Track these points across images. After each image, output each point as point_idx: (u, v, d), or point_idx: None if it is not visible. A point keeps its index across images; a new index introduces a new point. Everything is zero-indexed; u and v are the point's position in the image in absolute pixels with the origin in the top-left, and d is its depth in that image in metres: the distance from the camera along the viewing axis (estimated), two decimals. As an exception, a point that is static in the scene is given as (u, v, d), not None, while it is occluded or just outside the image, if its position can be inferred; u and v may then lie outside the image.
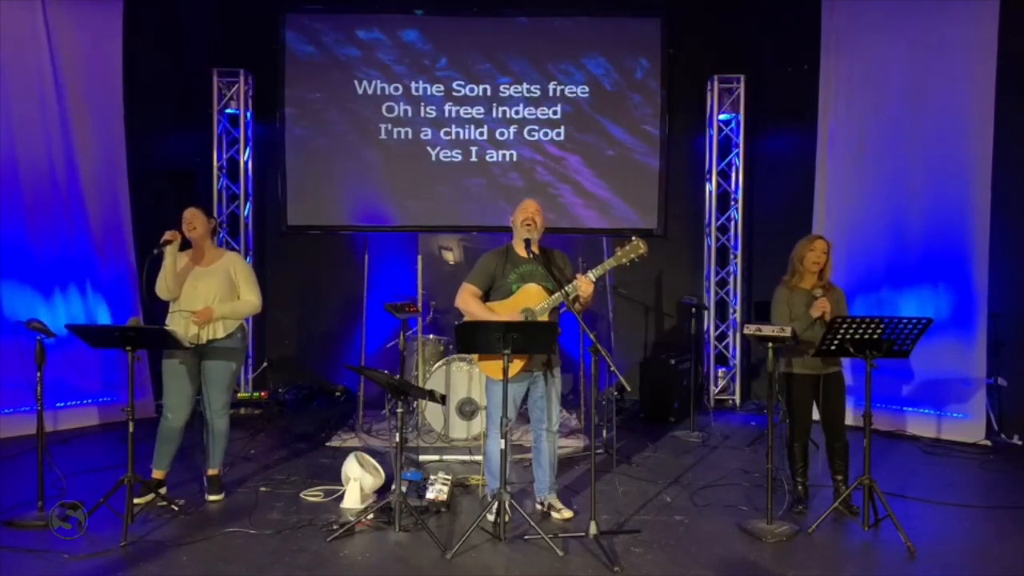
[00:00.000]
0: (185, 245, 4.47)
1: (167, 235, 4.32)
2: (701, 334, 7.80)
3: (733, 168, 7.89)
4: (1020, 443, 6.04)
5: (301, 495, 4.57)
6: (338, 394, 7.76)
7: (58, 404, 6.13)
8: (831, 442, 4.37)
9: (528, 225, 4.10)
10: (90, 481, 4.69)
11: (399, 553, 3.73)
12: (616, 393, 6.38)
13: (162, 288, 4.39)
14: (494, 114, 7.90)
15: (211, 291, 4.37)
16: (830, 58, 6.98)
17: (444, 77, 7.87)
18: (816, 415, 4.39)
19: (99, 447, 5.77)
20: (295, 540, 3.85)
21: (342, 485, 4.53)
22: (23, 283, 6.09)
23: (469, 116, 7.89)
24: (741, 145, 7.81)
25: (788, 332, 3.97)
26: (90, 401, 6.44)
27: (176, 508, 4.21)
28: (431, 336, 6.38)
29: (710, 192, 7.92)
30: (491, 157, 7.91)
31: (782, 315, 4.34)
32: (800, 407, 4.37)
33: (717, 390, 7.81)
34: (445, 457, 5.49)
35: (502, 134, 7.91)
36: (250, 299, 4.49)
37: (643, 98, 7.92)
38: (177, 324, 4.34)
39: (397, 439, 4.00)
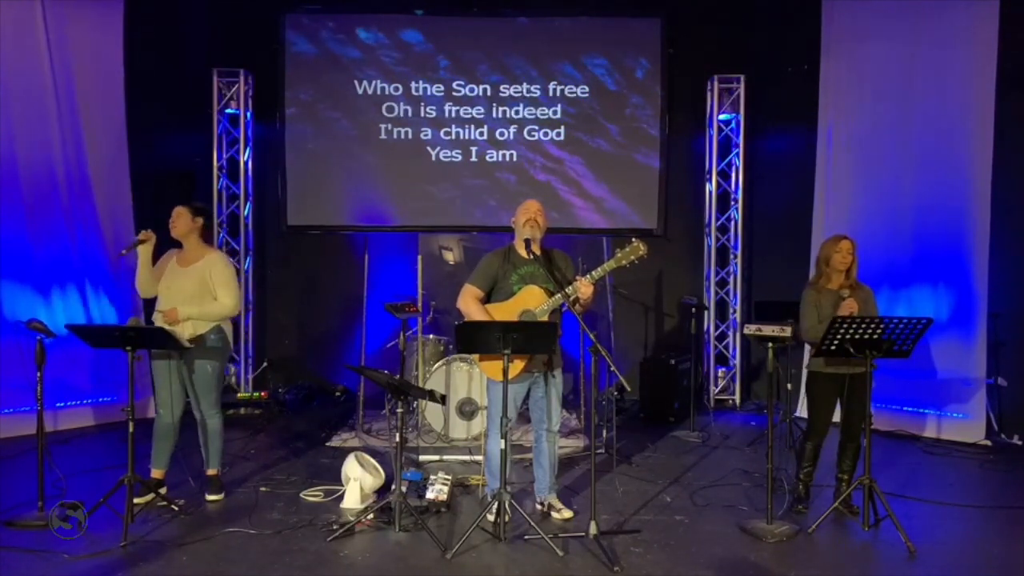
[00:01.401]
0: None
1: (141, 235, 4.38)
2: (701, 334, 7.80)
3: (733, 168, 7.89)
4: (1020, 443, 6.04)
5: (301, 495, 4.57)
6: (338, 394, 7.76)
7: (58, 404, 6.12)
8: (845, 441, 4.35)
9: (530, 225, 4.10)
10: (90, 481, 4.69)
11: (399, 553, 3.73)
12: (616, 393, 6.38)
13: (138, 285, 4.45)
14: (494, 114, 7.89)
15: (183, 291, 4.35)
16: (830, 58, 6.97)
17: (444, 77, 7.86)
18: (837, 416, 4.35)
19: (99, 447, 5.77)
20: (295, 540, 3.85)
21: (342, 485, 4.53)
22: (23, 283, 6.09)
23: (469, 116, 7.89)
24: (741, 145, 7.80)
25: (788, 332, 3.96)
26: (90, 401, 6.44)
27: (176, 508, 4.21)
28: (431, 336, 6.38)
29: (710, 192, 7.91)
30: (491, 157, 7.91)
31: (810, 317, 4.28)
32: (820, 407, 4.35)
33: (717, 390, 7.80)
34: (445, 457, 5.49)
35: (502, 134, 7.91)
36: (224, 302, 4.41)
37: (643, 98, 7.91)
38: (159, 323, 4.37)
39: (397, 439, 4.00)
